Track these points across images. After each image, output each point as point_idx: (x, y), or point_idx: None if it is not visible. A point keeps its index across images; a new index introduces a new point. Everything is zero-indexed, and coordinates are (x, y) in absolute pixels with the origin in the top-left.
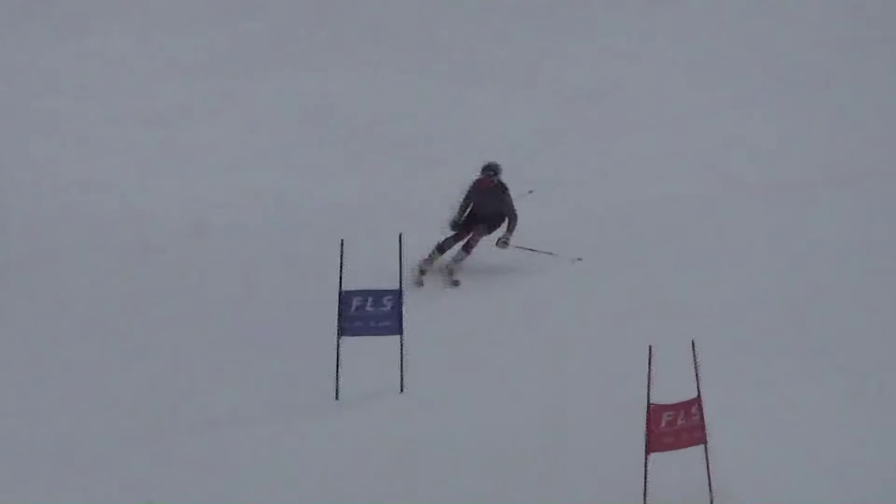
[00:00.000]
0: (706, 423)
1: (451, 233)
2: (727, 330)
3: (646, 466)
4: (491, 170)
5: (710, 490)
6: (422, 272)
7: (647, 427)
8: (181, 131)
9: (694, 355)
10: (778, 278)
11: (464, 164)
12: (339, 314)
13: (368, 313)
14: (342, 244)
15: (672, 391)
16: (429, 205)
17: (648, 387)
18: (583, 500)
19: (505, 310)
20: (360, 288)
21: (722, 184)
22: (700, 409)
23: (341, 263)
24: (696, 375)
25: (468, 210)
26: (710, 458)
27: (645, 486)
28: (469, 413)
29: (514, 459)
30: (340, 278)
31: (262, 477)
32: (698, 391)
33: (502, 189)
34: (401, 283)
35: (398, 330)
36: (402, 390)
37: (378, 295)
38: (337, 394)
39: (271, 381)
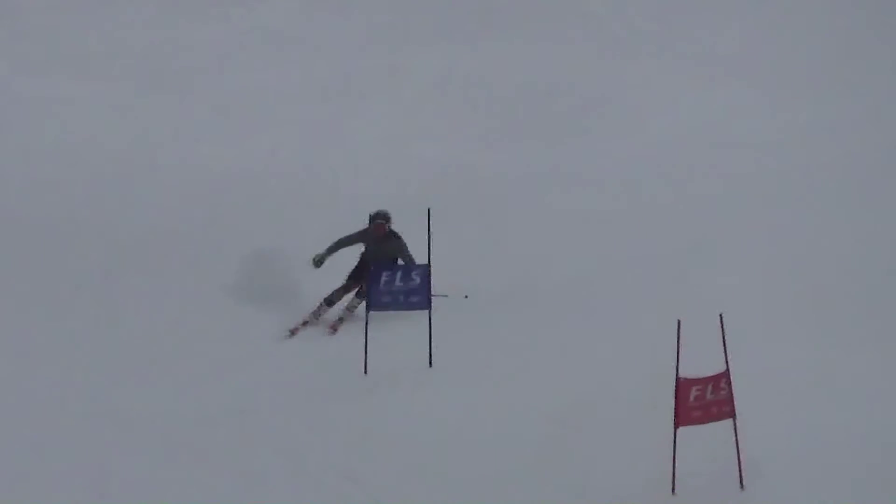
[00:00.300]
0: (735, 397)
1: (336, 285)
2: (755, 306)
3: (674, 440)
4: (382, 217)
5: (740, 464)
6: (303, 324)
7: (675, 401)
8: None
9: (722, 329)
10: (795, 260)
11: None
12: (369, 289)
13: (397, 288)
14: (370, 218)
15: (700, 366)
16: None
17: (677, 361)
18: (610, 474)
19: (531, 287)
20: None
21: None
22: (729, 382)
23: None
24: (725, 349)
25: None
26: (738, 432)
27: (674, 460)
28: (497, 386)
29: (542, 433)
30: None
31: (292, 451)
32: (727, 365)
33: (396, 236)
34: (429, 258)
35: (427, 305)
36: (430, 365)
37: (407, 270)
38: (365, 368)
39: (301, 356)
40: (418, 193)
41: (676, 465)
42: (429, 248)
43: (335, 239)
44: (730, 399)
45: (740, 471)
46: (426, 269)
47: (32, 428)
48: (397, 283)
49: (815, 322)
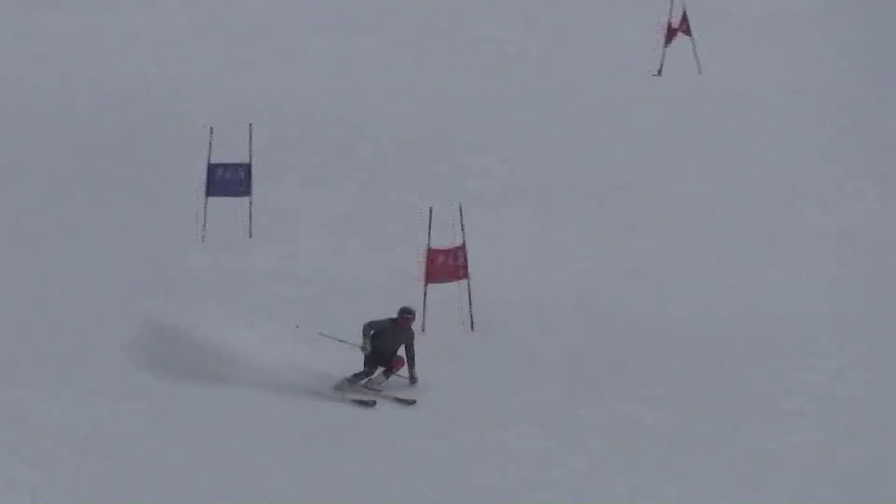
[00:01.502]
0: (468, 264)
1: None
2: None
3: (424, 295)
4: (410, 313)
5: (471, 313)
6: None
7: (427, 265)
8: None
9: (460, 214)
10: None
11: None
12: (207, 180)
13: (227, 179)
14: (211, 131)
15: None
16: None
17: (429, 236)
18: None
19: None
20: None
21: None
22: (464, 253)
23: (210, 145)
24: (462, 230)
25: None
26: (471, 289)
27: (423, 310)
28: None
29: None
30: (209, 155)
31: None
32: (463, 241)
33: (411, 330)
34: (250, 157)
35: (248, 192)
36: (250, 236)
37: (235, 167)
38: (203, 237)
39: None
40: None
41: (427, 311)
42: (250, 158)
43: (366, 323)
44: (465, 265)
45: (471, 317)
46: (248, 167)
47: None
48: (227, 175)
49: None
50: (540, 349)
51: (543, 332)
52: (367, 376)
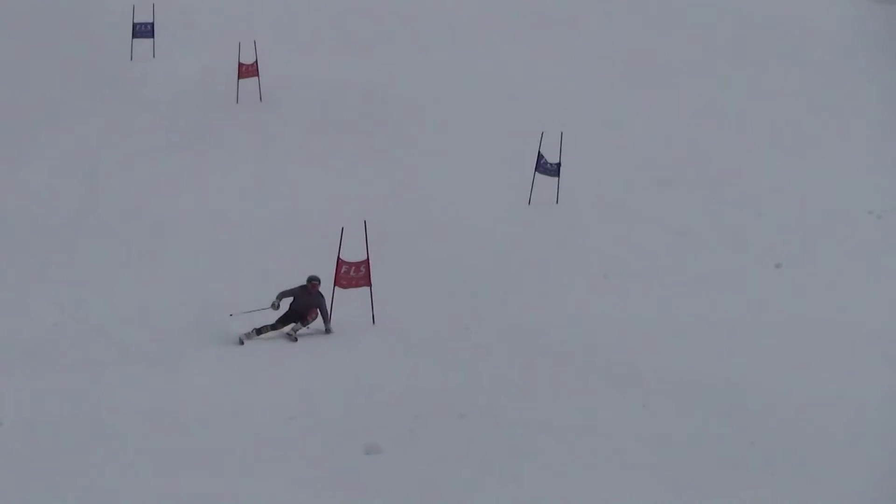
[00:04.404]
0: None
1: (270, 321)
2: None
3: (332, 295)
4: (317, 280)
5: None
6: (244, 339)
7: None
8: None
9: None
10: None
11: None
12: None
13: None
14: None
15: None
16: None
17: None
18: None
19: None
20: None
21: None
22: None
23: None
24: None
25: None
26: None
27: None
28: None
29: None
30: None
31: None
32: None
33: (321, 294)
34: None
35: None
36: None
37: None
38: None
39: None
40: None
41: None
42: None
43: (279, 291)
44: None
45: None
46: None
47: None
48: None
49: None
50: None
51: None
52: (272, 329)
